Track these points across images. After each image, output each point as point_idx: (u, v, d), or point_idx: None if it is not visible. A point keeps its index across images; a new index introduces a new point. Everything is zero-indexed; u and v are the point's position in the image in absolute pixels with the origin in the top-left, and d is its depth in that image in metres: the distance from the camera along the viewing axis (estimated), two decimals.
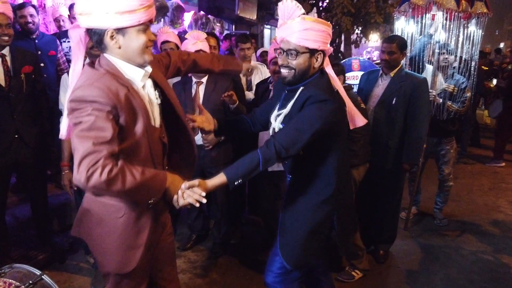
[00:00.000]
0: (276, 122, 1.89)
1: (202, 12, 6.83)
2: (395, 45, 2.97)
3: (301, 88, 1.81)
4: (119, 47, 1.42)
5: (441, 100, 3.57)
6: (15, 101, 2.70)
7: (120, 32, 1.40)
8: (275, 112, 1.94)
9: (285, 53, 1.78)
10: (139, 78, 1.51)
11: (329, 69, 1.90)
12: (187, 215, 3.45)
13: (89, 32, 1.43)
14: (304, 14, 1.75)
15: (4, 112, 2.68)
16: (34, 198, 3.00)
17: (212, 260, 3.20)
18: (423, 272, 3.10)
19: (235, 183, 1.63)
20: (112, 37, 1.40)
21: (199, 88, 3.02)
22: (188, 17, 6.36)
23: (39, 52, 3.52)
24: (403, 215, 3.85)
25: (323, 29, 1.74)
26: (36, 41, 3.61)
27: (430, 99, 3.42)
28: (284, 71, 1.81)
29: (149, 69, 1.55)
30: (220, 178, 1.63)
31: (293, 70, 1.79)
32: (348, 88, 2.81)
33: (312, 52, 1.77)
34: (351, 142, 2.74)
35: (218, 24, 6.93)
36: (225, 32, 8.58)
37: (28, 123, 2.79)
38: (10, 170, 2.83)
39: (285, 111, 1.84)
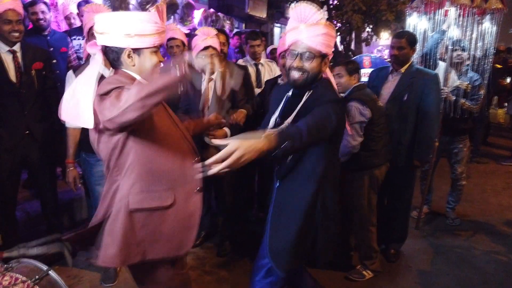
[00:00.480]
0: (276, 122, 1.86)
1: (212, 10, 6.83)
2: (405, 40, 2.92)
3: (309, 91, 1.81)
4: (134, 65, 1.58)
5: (454, 98, 3.51)
6: (26, 97, 2.72)
7: (136, 52, 1.56)
8: (276, 115, 1.91)
9: (299, 55, 1.77)
10: None
11: (329, 75, 1.93)
12: None
13: (106, 49, 1.57)
14: (322, 18, 1.75)
15: (15, 108, 2.70)
16: (43, 193, 3.02)
17: (220, 257, 3.20)
18: (434, 272, 3.05)
19: (282, 145, 1.50)
20: (129, 55, 1.56)
21: (209, 85, 3.00)
22: (198, 15, 6.37)
23: (51, 49, 3.55)
24: (415, 214, 3.78)
25: (333, 34, 1.78)
26: (48, 37, 3.64)
27: (443, 96, 3.36)
28: (296, 73, 1.80)
29: None
30: (268, 137, 1.46)
31: (306, 73, 1.78)
32: (363, 86, 2.76)
33: (323, 56, 1.80)
34: (372, 142, 2.69)
35: (228, 22, 6.94)
36: (235, 30, 8.57)
37: (38, 119, 2.81)
38: (21, 165, 2.85)
39: (294, 113, 1.81)
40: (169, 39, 3.22)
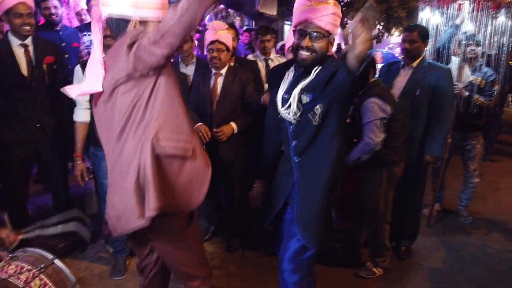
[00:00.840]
0: (294, 93, 1.86)
1: (222, 6, 6.81)
2: (416, 33, 2.87)
3: (318, 66, 1.82)
4: None
5: (467, 93, 3.45)
6: (37, 91, 2.73)
7: (142, 25, 1.55)
8: (282, 92, 1.92)
9: (308, 35, 1.77)
10: None
11: (333, 54, 1.94)
12: (205, 207, 3.45)
13: (112, 21, 1.56)
14: None
15: (27, 102, 2.72)
16: (54, 187, 3.04)
17: (229, 253, 3.19)
18: (446, 270, 3.01)
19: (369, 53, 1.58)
20: (135, 27, 1.54)
21: (218, 80, 2.99)
22: (208, 11, 6.37)
23: (64, 44, 3.58)
24: (426, 212, 3.72)
25: (340, 15, 1.79)
26: (60, 33, 3.67)
27: (456, 91, 3.30)
28: (305, 53, 1.80)
29: None
30: None
31: (314, 53, 1.79)
32: (379, 82, 2.72)
33: (330, 37, 1.80)
34: (392, 138, 2.64)
35: (238, 18, 6.91)
36: (245, 27, 8.53)
37: (49, 113, 2.82)
38: (32, 159, 2.87)
39: (305, 82, 1.84)
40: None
